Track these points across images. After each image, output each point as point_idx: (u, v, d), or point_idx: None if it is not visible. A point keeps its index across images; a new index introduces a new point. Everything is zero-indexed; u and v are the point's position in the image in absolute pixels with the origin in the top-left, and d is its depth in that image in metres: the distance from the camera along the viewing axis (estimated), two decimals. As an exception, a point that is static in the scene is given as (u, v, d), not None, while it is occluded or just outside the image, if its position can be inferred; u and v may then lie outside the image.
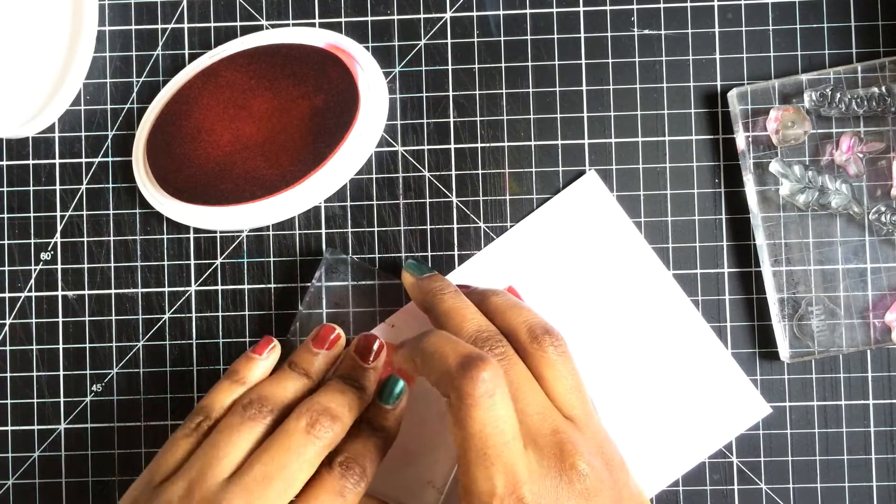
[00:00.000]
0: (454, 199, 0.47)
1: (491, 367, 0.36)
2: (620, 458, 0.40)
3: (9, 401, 0.48)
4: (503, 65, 0.48)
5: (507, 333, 0.41)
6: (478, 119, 0.47)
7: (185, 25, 0.48)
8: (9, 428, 0.48)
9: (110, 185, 0.48)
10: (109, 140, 0.48)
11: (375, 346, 0.43)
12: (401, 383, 0.43)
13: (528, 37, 0.47)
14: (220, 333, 0.48)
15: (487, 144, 0.47)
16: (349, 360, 0.44)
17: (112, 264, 0.48)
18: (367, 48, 0.48)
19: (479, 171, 0.47)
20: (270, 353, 0.44)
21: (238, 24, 0.48)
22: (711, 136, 0.47)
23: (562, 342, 0.40)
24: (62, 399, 0.48)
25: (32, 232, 0.48)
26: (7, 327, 0.48)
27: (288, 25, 0.48)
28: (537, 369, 0.39)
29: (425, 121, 0.48)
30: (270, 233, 0.48)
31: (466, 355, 0.37)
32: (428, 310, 0.43)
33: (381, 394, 0.43)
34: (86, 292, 0.48)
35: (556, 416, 0.38)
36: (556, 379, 0.39)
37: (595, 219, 0.47)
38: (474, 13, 0.48)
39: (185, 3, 0.48)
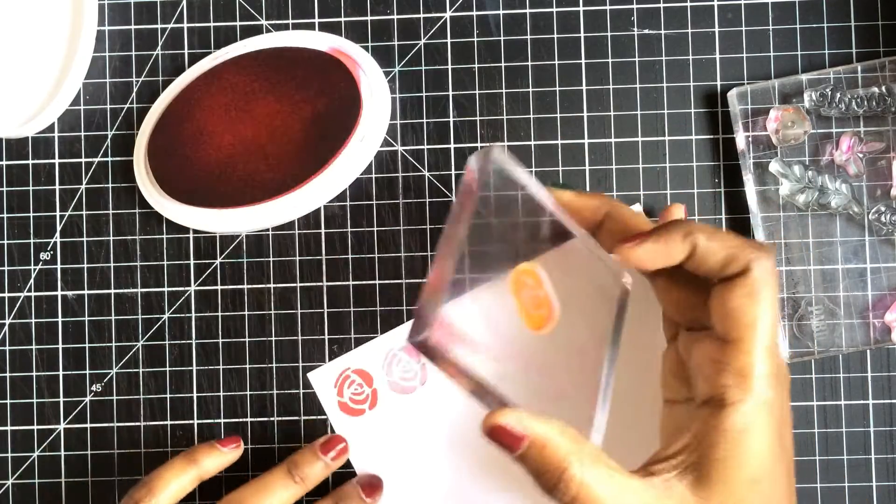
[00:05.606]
0: (454, 199, 0.47)
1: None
2: None
3: (8, 401, 0.48)
4: (503, 64, 0.47)
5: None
6: (477, 119, 0.47)
7: (185, 25, 0.48)
8: (8, 428, 0.48)
9: (110, 185, 0.48)
10: (109, 140, 0.48)
11: (340, 446, 0.45)
12: None
13: (528, 36, 0.47)
14: (220, 333, 0.48)
15: (487, 144, 0.47)
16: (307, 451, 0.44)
17: (111, 264, 0.48)
18: (366, 48, 0.48)
19: (479, 171, 0.47)
20: (233, 451, 0.45)
21: (238, 23, 0.48)
22: (711, 136, 0.47)
23: None
24: (62, 399, 0.48)
25: (32, 232, 0.48)
26: (7, 327, 0.48)
27: (288, 25, 0.48)
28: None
29: (425, 120, 0.47)
30: (270, 233, 0.48)
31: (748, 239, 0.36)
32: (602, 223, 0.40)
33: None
34: (85, 292, 0.48)
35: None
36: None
37: None
38: (474, 13, 0.48)
39: (184, 2, 0.48)
